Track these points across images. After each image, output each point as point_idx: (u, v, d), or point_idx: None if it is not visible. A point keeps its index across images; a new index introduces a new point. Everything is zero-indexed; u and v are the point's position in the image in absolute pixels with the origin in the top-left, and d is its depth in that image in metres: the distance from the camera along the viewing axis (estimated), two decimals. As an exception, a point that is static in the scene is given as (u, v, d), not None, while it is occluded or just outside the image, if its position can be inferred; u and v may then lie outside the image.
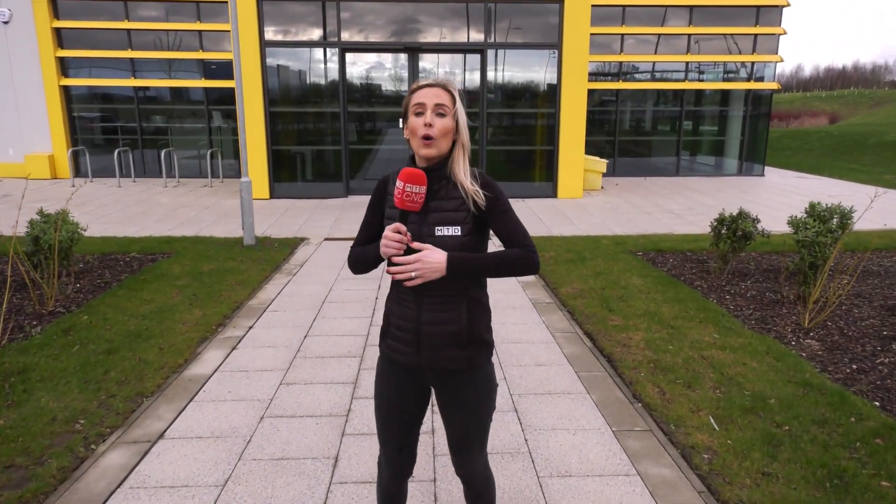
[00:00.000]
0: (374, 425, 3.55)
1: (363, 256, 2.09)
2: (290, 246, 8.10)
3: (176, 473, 3.08)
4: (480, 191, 1.96)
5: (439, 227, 1.94)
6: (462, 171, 1.97)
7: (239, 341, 4.87)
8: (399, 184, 1.88)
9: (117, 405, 3.74)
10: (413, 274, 1.87)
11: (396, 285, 2.05)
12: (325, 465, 3.15)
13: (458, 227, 1.94)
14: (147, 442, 3.36)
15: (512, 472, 3.11)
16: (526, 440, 3.42)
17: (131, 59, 14.27)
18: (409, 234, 1.91)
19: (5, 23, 13.74)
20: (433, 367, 2.05)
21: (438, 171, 1.99)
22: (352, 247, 2.16)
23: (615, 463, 3.21)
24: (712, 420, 3.63)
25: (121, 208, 10.66)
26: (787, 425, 3.56)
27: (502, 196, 2.01)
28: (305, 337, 4.98)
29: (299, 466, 3.14)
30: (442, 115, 1.94)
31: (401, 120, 2.08)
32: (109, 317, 5.25)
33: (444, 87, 1.96)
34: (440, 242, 1.93)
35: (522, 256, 1.96)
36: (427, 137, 1.92)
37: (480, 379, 2.10)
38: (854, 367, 4.44)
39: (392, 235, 1.89)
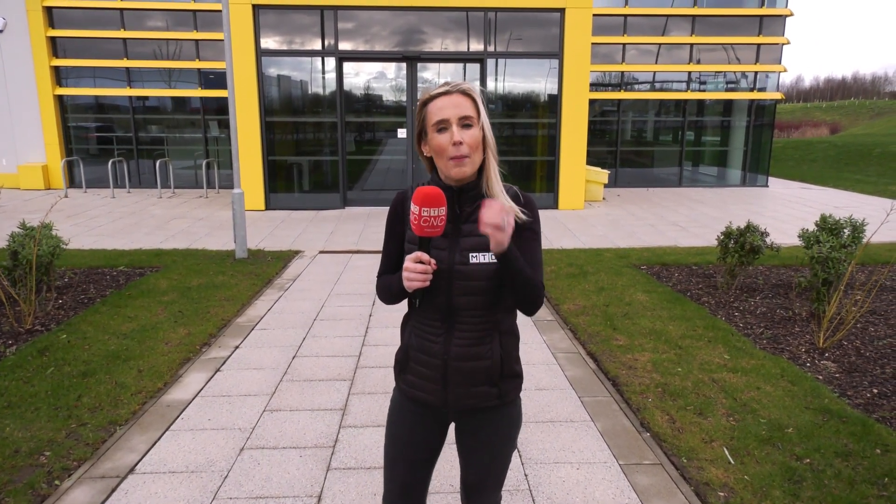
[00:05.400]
0: (362, 458, 3.32)
1: (388, 289, 1.85)
2: (283, 259, 7.85)
3: (143, 514, 2.82)
4: (520, 209, 1.75)
5: (474, 254, 1.72)
6: (498, 187, 1.75)
7: (223, 362, 4.61)
8: (414, 208, 1.62)
9: (87, 435, 3.48)
10: (505, 225, 1.55)
11: (417, 315, 1.83)
12: (307, 505, 2.89)
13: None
14: (115, 477, 3.10)
15: (511, 513, 2.86)
16: (526, 476, 3.16)
17: (127, 69, 14.08)
18: (434, 261, 1.67)
19: (0, 31, 13.57)
20: (460, 405, 1.84)
21: (471, 191, 1.76)
22: (378, 275, 1.94)
23: (623, 502, 2.95)
24: (727, 452, 3.37)
25: (112, 220, 10.43)
26: (809, 458, 3.30)
27: (538, 221, 1.81)
28: (294, 358, 4.72)
29: (279, 506, 2.89)
30: (469, 127, 1.70)
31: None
32: (89, 336, 5.00)
33: (464, 92, 1.71)
34: (475, 270, 1.71)
35: (538, 283, 1.75)
36: (459, 156, 1.69)
37: (509, 415, 1.89)
38: (875, 390, 4.18)
39: (414, 266, 1.65)
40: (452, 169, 1.71)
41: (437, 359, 1.80)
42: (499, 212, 1.53)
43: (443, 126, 1.70)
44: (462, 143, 1.68)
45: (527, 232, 1.78)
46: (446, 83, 1.73)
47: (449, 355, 1.79)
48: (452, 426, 1.98)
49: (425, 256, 1.65)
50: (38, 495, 2.94)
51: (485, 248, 1.71)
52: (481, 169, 1.77)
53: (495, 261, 1.71)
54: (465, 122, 1.70)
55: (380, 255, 1.96)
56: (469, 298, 1.75)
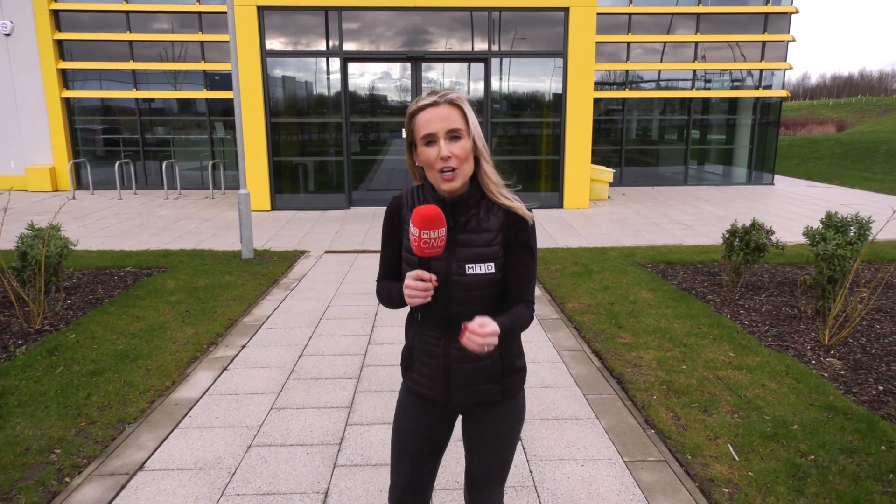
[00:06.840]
0: (368, 455, 3.35)
1: (390, 297, 1.86)
2: (289, 259, 7.90)
3: (153, 511, 2.85)
4: (522, 206, 1.76)
5: (471, 265, 1.72)
6: (496, 189, 1.75)
7: (231, 361, 4.65)
8: (413, 230, 1.61)
9: (97, 433, 3.52)
10: (486, 348, 1.59)
11: (417, 317, 1.85)
12: (314, 502, 2.92)
13: (492, 264, 1.73)
14: (125, 474, 3.14)
15: (516, 509, 2.88)
16: (531, 472, 3.18)
17: (133, 71, 14.17)
18: (434, 277, 1.67)
19: (7, 35, 13.67)
20: (464, 402, 1.87)
21: (465, 201, 1.76)
22: (378, 279, 1.94)
23: (627, 498, 2.97)
24: (731, 449, 3.38)
25: (119, 221, 10.50)
26: (813, 454, 3.30)
27: (534, 229, 1.81)
28: (300, 356, 4.76)
29: (286, 503, 2.91)
30: (457, 139, 1.68)
31: (406, 143, 1.76)
32: (98, 335, 5.04)
33: (452, 103, 1.69)
34: (472, 281, 1.72)
35: (529, 317, 1.77)
36: (447, 170, 1.68)
37: (513, 408, 1.92)
38: (880, 387, 4.18)
39: (415, 284, 1.65)
40: (443, 183, 1.71)
41: (439, 360, 1.83)
42: (480, 344, 1.56)
43: (430, 140, 1.69)
44: (451, 157, 1.67)
45: (520, 244, 1.77)
46: (433, 92, 1.71)
47: (450, 358, 1.81)
48: (459, 420, 2.01)
49: (426, 274, 1.66)
50: (48, 492, 2.98)
51: (484, 258, 1.73)
52: (474, 177, 1.76)
53: (493, 271, 1.73)
54: (453, 135, 1.68)
55: None
56: (467, 307, 1.75)
